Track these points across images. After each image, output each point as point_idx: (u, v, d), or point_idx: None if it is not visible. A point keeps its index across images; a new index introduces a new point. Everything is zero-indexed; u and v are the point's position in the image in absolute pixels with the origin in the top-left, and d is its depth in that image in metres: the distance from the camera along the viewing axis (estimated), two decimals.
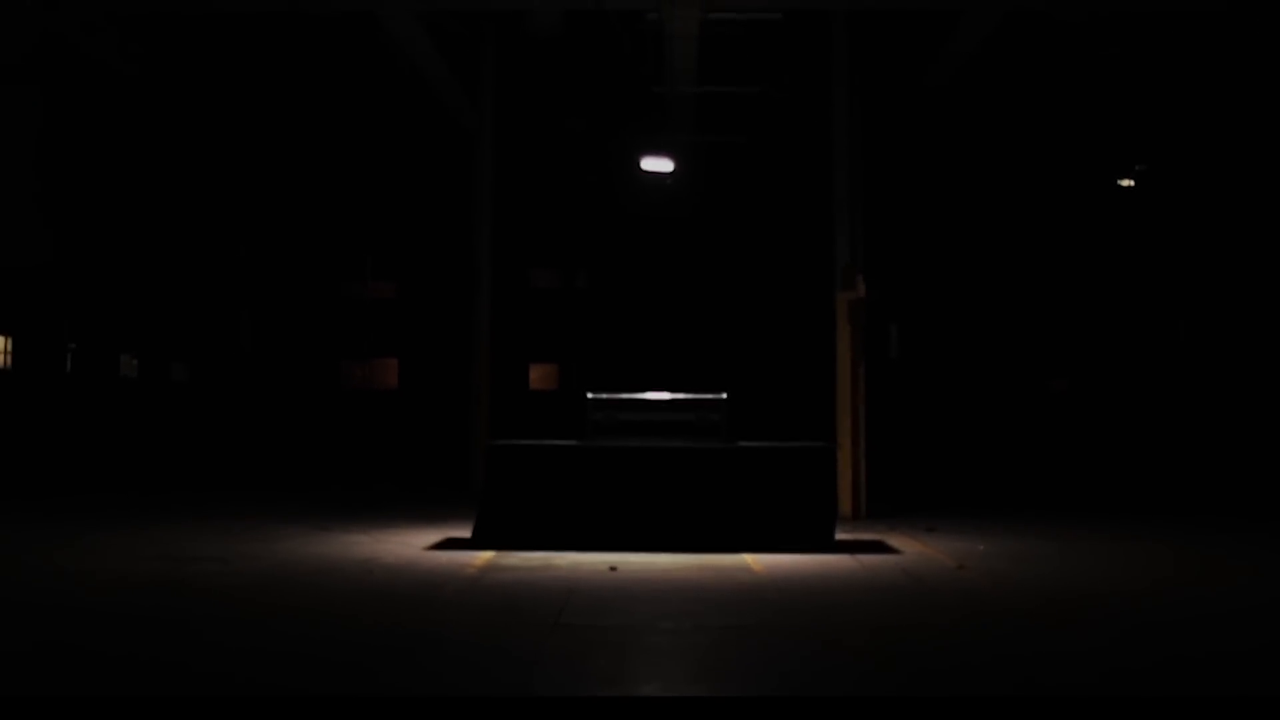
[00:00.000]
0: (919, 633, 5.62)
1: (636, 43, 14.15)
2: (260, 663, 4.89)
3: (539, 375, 19.74)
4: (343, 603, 6.39)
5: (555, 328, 19.50)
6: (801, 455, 9.30)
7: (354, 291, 19.93)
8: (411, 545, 9.04)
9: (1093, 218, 18.64)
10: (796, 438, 10.73)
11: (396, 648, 5.19)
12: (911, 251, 18.57)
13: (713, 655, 5.15)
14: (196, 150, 18.50)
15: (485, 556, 8.32)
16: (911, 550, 8.91)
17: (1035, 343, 18.84)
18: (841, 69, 12.84)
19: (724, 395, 9.72)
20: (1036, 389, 18.83)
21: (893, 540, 9.58)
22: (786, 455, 9.28)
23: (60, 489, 14.07)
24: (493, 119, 14.76)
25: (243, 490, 14.70)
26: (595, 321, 19.40)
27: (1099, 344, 18.79)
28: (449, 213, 18.64)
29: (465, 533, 9.51)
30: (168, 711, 4.16)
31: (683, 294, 19.23)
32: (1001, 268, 18.75)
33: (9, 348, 14.99)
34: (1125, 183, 18.52)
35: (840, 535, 9.48)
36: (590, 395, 9.72)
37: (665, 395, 10.01)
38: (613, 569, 7.69)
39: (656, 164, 16.38)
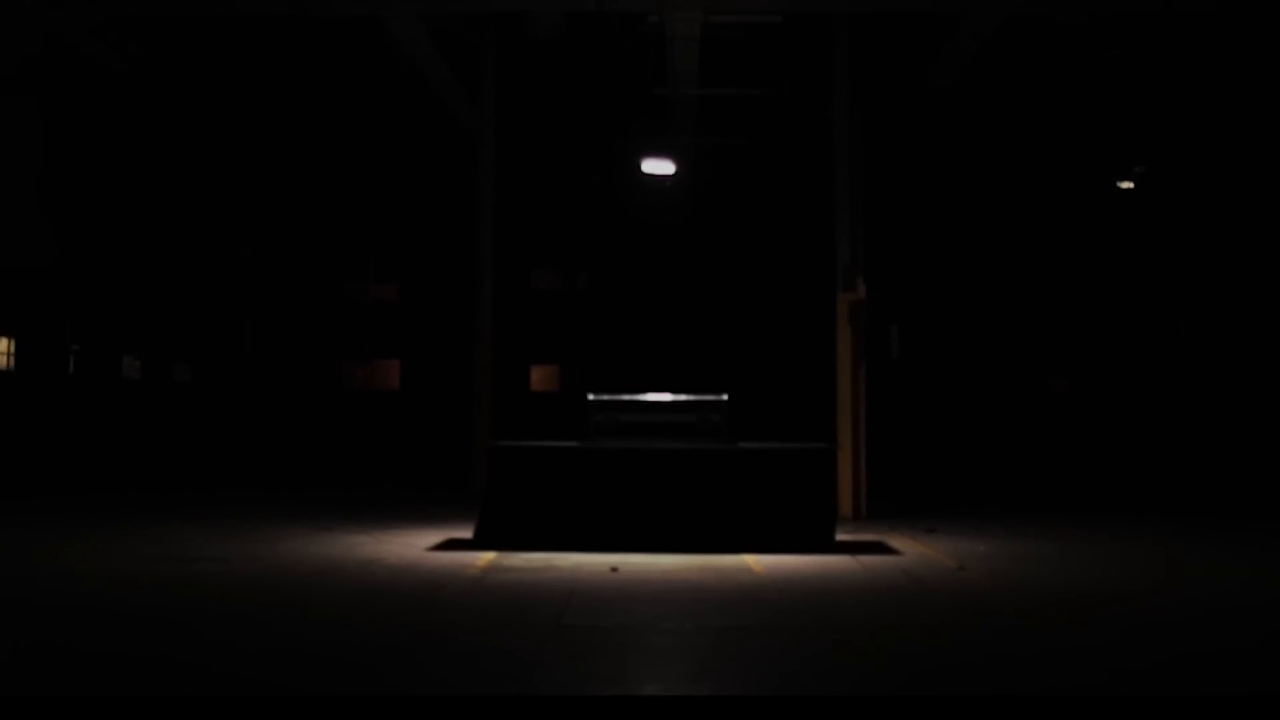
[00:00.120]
0: (919, 633, 5.64)
1: (638, 45, 14.18)
2: (263, 662, 4.92)
3: (540, 376, 19.77)
4: (345, 603, 6.42)
5: (557, 329, 19.52)
6: (802, 456, 9.33)
7: (356, 293, 19.96)
8: (413, 546, 9.07)
9: (1093, 219, 18.66)
10: (797, 439, 10.75)
11: (399, 647, 5.22)
12: (912, 253, 18.59)
13: (714, 655, 5.17)
14: (199, 152, 18.54)
15: (487, 557, 8.35)
16: (912, 551, 8.93)
17: (1035, 343, 18.86)
18: (842, 71, 12.87)
19: (725, 396, 9.75)
20: (1037, 390, 18.85)
21: (893, 541, 9.60)
22: (787, 456, 9.31)
23: (63, 489, 14.10)
24: (494, 120, 14.79)
25: (245, 491, 14.73)
26: (597, 323, 19.43)
27: (1099, 345, 18.80)
28: (451, 214, 18.67)
29: (467, 533, 9.54)
30: (171, 711, 4.18)
31: (684, 295, 19.25)
32: (1002, 269, 18.77)
33: (12, 349, 15.02)
34: (1125, 184, 18.53)
35: (841, 536, 9.50)
36: (591, 396, 9.75)
37: (666, 396, 10.04)
38: (614, 570, 7.71)
39: (658, 166, 16.40)
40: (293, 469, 17.76)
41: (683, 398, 9.95)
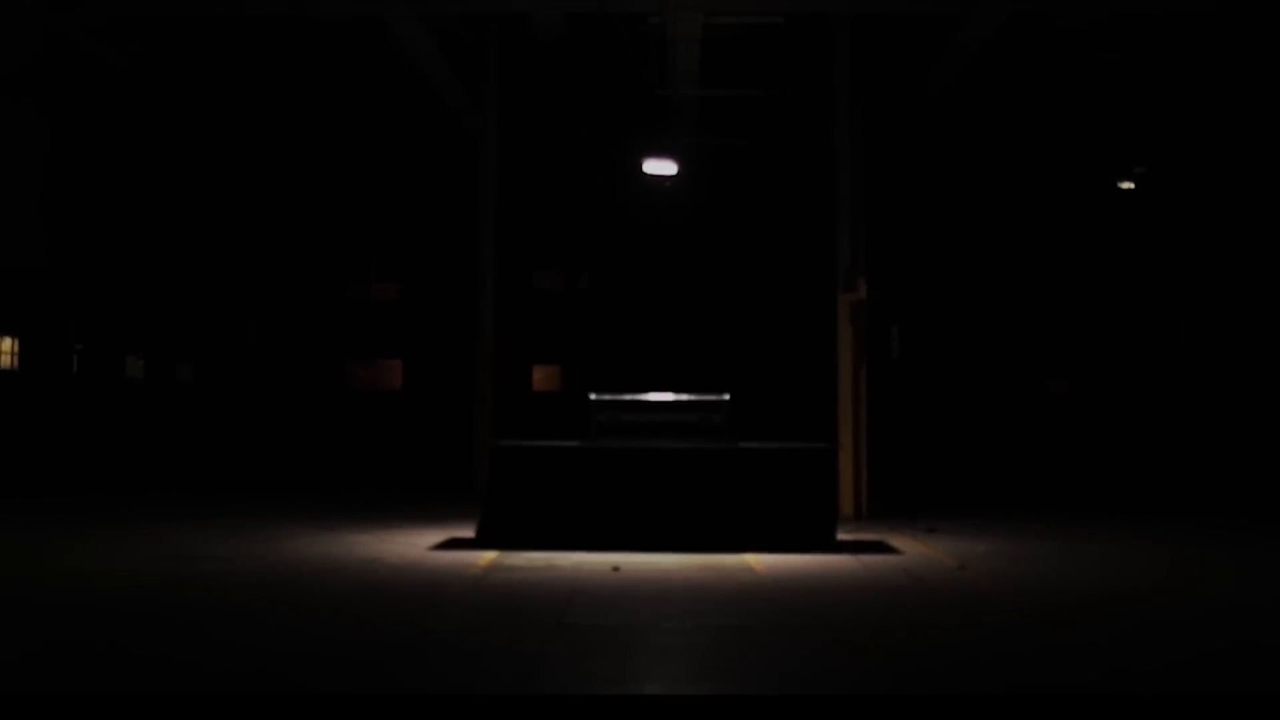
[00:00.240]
0: (920, 632, 5.67)
1: (639, 46, 14.20)
2: (267, 660, 4.94)
3: (542, 376, 19.79)
4: (348, 602, 6.45)
5: (558, 329, 19.55)
6: (803, 456, 9.35)
7: (358, 293, 19.99)
8: (416, 545, 9.10)
9: (1093, 220, 18.68)
10: (798, 438, 10.78)
11: (401, 646, 5.25)
12: (913, 253, 18.61)
13: (715, 654, 5.20)
14: (202, 152, 18.57)
15: (489, 556, 8.38)
16: (913, 550, 8.95)
17: (1036, 344, 18.88)
18: (843, 72, 12.89)
19: (726, 396, 9.77)
20: (1037, 390, 18.87)
21: (894, 540, 9.63)
22: (788, 456, 9.33)
23: (67, 489, 14.13)
24: (496, 121, 14.82)
25: (248, 490, 14.76)
26: (598, 323, 19.45)
27: (1099, 345, 18.82)
28: (453, 215, 18.70)
29: (469, 533, 9.57)
30: (175, 709, 4.20)
31: (685, 295, 19.27)
32: (1002, 269, 18.78)
33: (16, 349, 15.06)
34: (1125, 185, 18.55)
35: (841, 535, 9.53)
36: (593, 396, 9.78)
37: (668, 396, 10.06)
38: (615, 569, 7.74)
39: (659, 166, 16.42)
40: (295, 468, 17.79)
41: (684, 397, 9.98)
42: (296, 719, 4.16)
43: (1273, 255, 17.22)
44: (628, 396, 9.86)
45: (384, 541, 9.31)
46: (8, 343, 14.96)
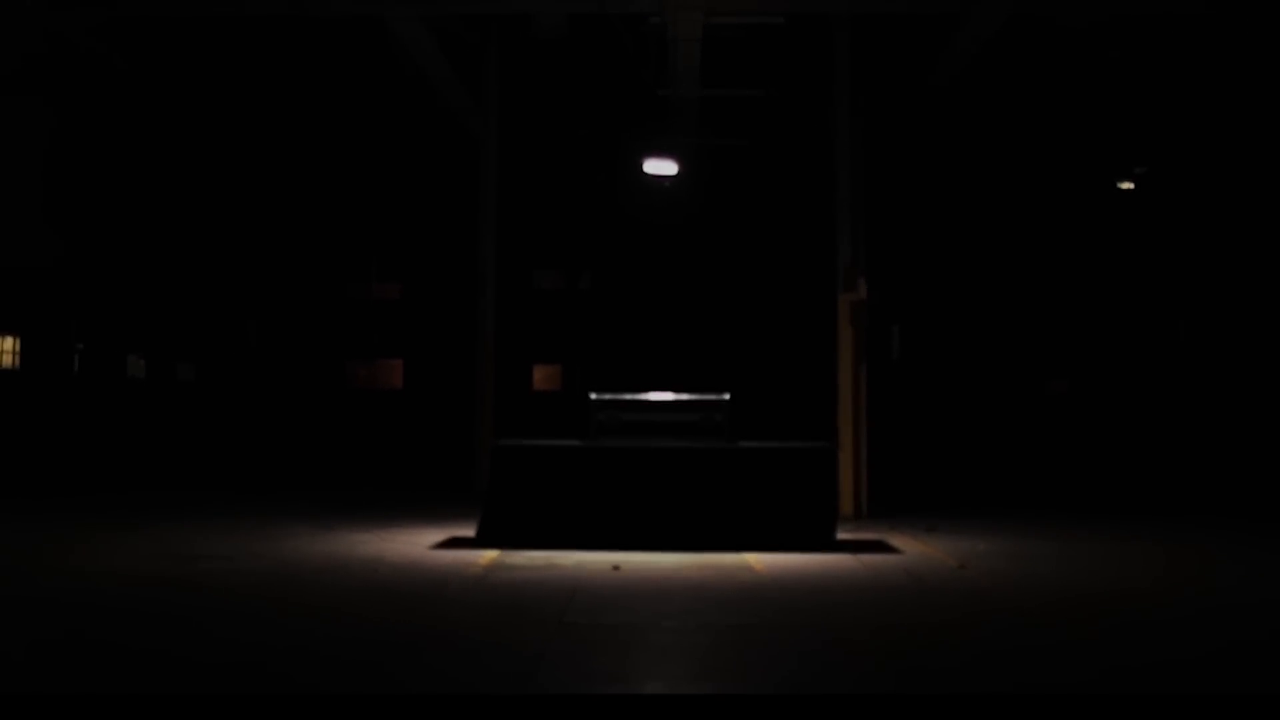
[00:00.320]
0: (920, 631, 5.68)
1: (640, 46, 14.21)
2: (268, 659, 4.96)
3: (543, 376, 19.81)
4: (349, 600, 6.47)
5: (559, 329, 19.56)
6: (803, 455, 9.37)
7: (359, 292, 20.00)
8: (417, 544, 9.12)
9: (1093, 220, 18.69)
10: (798, 438, 10.79)
11: (402, 645, 5.26)
12: (913, 253, 18.62)
13: (715, 653, 5.21)
14: (203, 152, 18.58)
15: (490, 555, 8.40)
16: (912, 550, 8.97)
17: (1036, 344, 18.89)
18: (843, 72, 12.90)
19: (726, 396, 9.79)
20: (1037, 390, 18.88)
21: (894, 540, 9.65)
22: (788, 455, 9.35)
23: (68, 488, 14.15)
24: (497, 121, 14.83)
25: (248, 489, 14.78)
26: (599, 322, 19.47)
27: (1099, 345, 18.83)
28: (453, 215, 18.71)
29: (470, 532, 9.58)
30: (178, 708, 4.21)
31: (686, 295, 19.29)
32: (1002, 269, 18.80)
33: (17, 348, 15.08)
34: (1125, 185, 18.56)
35: (841, 535, 9.54)
36: (594, 396, 9.79)
37: (668, 396, 10.08)
38: (616, 568, 7.76)
39: (659, 166, 16.43)
40: (296, 468, 17.81)
41: (684, 397, 9.99)
42: (297, 717, 4.17)
43: (1272, 255, 17.23)
44: (628, 396, 9.88)
45: (385, 540, 9.33)
46: (9, 342, 14.98)
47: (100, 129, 16.54)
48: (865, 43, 13.07)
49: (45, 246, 15.43)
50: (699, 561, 8.13)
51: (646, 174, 16.89)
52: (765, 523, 9.05)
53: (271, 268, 19.61)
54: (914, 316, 18.91)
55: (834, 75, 12.96)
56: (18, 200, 14.89)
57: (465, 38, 14.32)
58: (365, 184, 19.39)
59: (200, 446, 18.19)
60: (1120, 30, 13.91)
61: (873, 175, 13.58)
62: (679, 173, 16.78)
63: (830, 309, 12.74)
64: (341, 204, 19.50)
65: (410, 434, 19.02)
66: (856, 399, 12.29)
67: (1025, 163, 18.35)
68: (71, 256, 16.05)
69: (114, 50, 14.18)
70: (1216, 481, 15.84)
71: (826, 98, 13.28)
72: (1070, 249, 18.68)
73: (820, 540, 9.01)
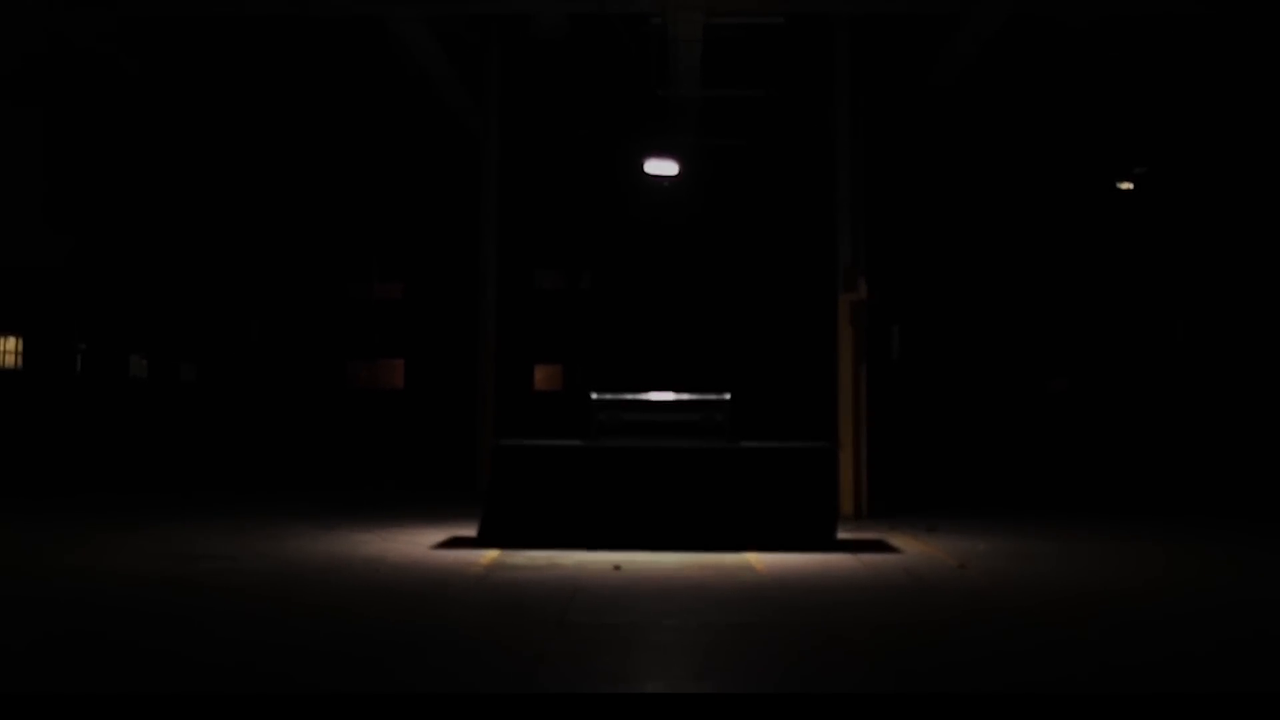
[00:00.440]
0: (920, 630, 5.70)
1: (640, 46, 14.23)
2: (271, 658, 4.98)
3: (544, 376, 19.83)
4: (351, 600, 6.49)
5: (560, 329, 19.59)
6: (804, 455, 9.39)
7: (360, 292, 20.04)
8: (418, 544, 9.14)
9: (1093, 220, 18.71)
10: (799, 438, 10.81)
11: (403, 644, 5.28)
12: (913, 253, 18.64)
13: (716, 653, 5.23)
14: (205, 152, 18.61)
15: (491, 555, 8.42)
16: (913, 549, 8.99)
17: (1035, 343, 18.91)
18: (843, 72, 12.92)
19: (727, 396, 9.81)
20: (1036, 389, 18.90)
21: (894, 539, 9.66)
22: (789, 455, 9.37)
23: (71, 488, 14.18)
24: (498, 121, 14.85)
25: (250, 489, 14.81)
26: (600, 322, 19.49)
27: (1098, 345, 18.85)
28: (454, 215, 18.74)
29: (471, 531, 9.60)
30: (180, 707, 4.23)
31: (686, 295, 19.31)
32: (1002, 269, 18.82)
33: (20, 348, 15.11)
34: (1124, 185, 18.57)
35: (842, 534, 9.56)
36: (594, 396, 9.81)
37: (669, 396, 10.10)
38: (617, 568, 7.78)
39: (660, 166, 16.47)
40: (298, 467, 17.84)
41: (685, 397, 10.01)
42: (299, 716, 4.19)
43: (1272, 256, 17.24)
44: (629, 396, 9.90)
45: (386, 540, 9.35)
46: (12, 342, 15.01)
47: (102, 129, 16.57)
48: (865, 43, 13.09)
49: (47, 247, 15.46)
50: (700, 561, 8.15)
51: (647, 174, 16.91)
52: (766, 522, 9.07)
53: (273, 268, 19.64)
54: (914, 316, 18.93)
55: (834, 75, 12.98)
56: (20, 200, 14.91)
57: (466, 38, 14.34)
58: (367, 184, 19.41)
59: (202, 446, 18.21)
60: (1120, 30, 13.92)
61: (873, 175, 13.59)
62: (679, 173, 16.80)
63: (830, 309, 12.76)
64: (343, 204, 19.53)
65: (411, 434, 19.05)
66: (857, 399, 12.31)
67: (1025, 163, 18.37)
68: (74, 257, 16.07)
69: (116, 50, 14.21)
70: (1216, 481, 15.86)
71: (827, 98, 13.30)
72: (1070, 249, 18.70)
73: (821, 540, 9.03)
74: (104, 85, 15.86)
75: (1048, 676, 4.72)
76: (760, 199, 19.16)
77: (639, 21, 13.48)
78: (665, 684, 4.69)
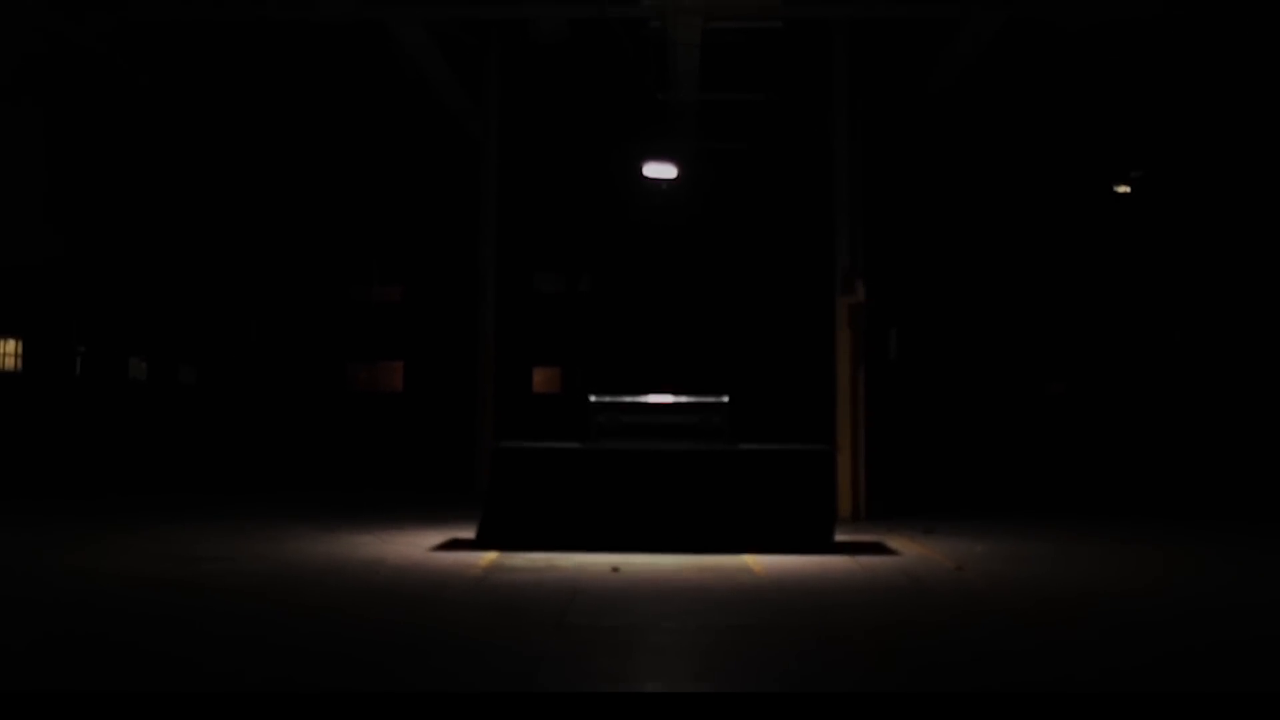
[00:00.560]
0: (917, 631, 5.73)
1: (640, 50, 14.27)
2: (271, 658, 5.00)
3: (543, 378, 19.86)
4: (350, 601, 6.51)
5: (559, 331, 19.62)
6: (801, 458, 9.42)
7: (360, 295, 20.07)
8: (417, 545, 9.16)
9: (1091, 223, 18.75)
10: (797, 440, 10.84)
11: (403, 645, 5.31)
12: (911, 256, 18.68)
13: (715, 654, 5.26)
14: (205, 154, 18.64)
15: (490, 557, 8.44)
16: (910, 551, 9.02)
17: (1033, 346, 18.95)
18: (842, 76, 12.96)
19: (726, 398, 9.84)
20: (1034, 392, 18.94)
21: (892, 542, 9.69)
22: (787, 458, 9.40)
23: (70, 491, 14.20)
24: (498, 125, 14.89)
25: (250, 491, 14.83)
26: (598, 325, 19.53)
27: (1096, 348, 18.89)
28: (454, 218, 18.77)
29: (470, 534, 9.62)
30: (178, 707, 4.25)
31: (685, 298, 19.35)
32: (1000, 272, 18.86)
33: (19, 351, 15.12)
34: (1121, 189, 18.62)
35: (840, 537, 9.59)
36: (593, 398, 9.84)
37: (667, 398, 10.13)
38: (615, 570, 7.80)
39: (659, 170, 16.50)
40: (297, 470, 17.86)
41: (684, 399, 10.05)
42: (299, 716, 4.21)
43: (1269, 259, 17.28)
44: (628, 398, 9.93)
45: (385, 542, 9.38)
46: (11, 345, 15.03)
47: (102, 131, 16.60)
48: (864, 47, 13.13)
49: (47, 248, 15.48)
50: (698, 563, 8.18)
51: (646, 177, 16.95)
52: (764, 525, 9.09)
53: (273, 270, 19.66)
54: (912, 319, 18.97)
55: (833, 79, 13.03)
56: (19, 202, 14.94)
57: (466, 42, 14.38)
58: (367, 187, 19.45)
59: (202, 448, 18.23)
60: (1117, 34, 13.97)
61: (871, 178, 13.64)
62: (678, 176, 16.84)
63: (828, 311, 12.80)
64: (343, 207, 19.56)
65: (411, 436, 19.08)
66: (855, 401, 12.34)
67: (1023, 166, 18.41)
68: (73, 258, 16.10)
69: (118, 53, 14.24)
70: (1213, 484, 15.89)
71: (825, 101, 13.34)
72: (1067, 252, 18.74)
73: (819, 542, 9.06)
74: (105, 87, 15.89)
75: (1045, 676, 4.75)
76: (759, 202, 19.20)
77: (638, 26, 13.52)
78: (664, 685, 4.71)
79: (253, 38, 14.78)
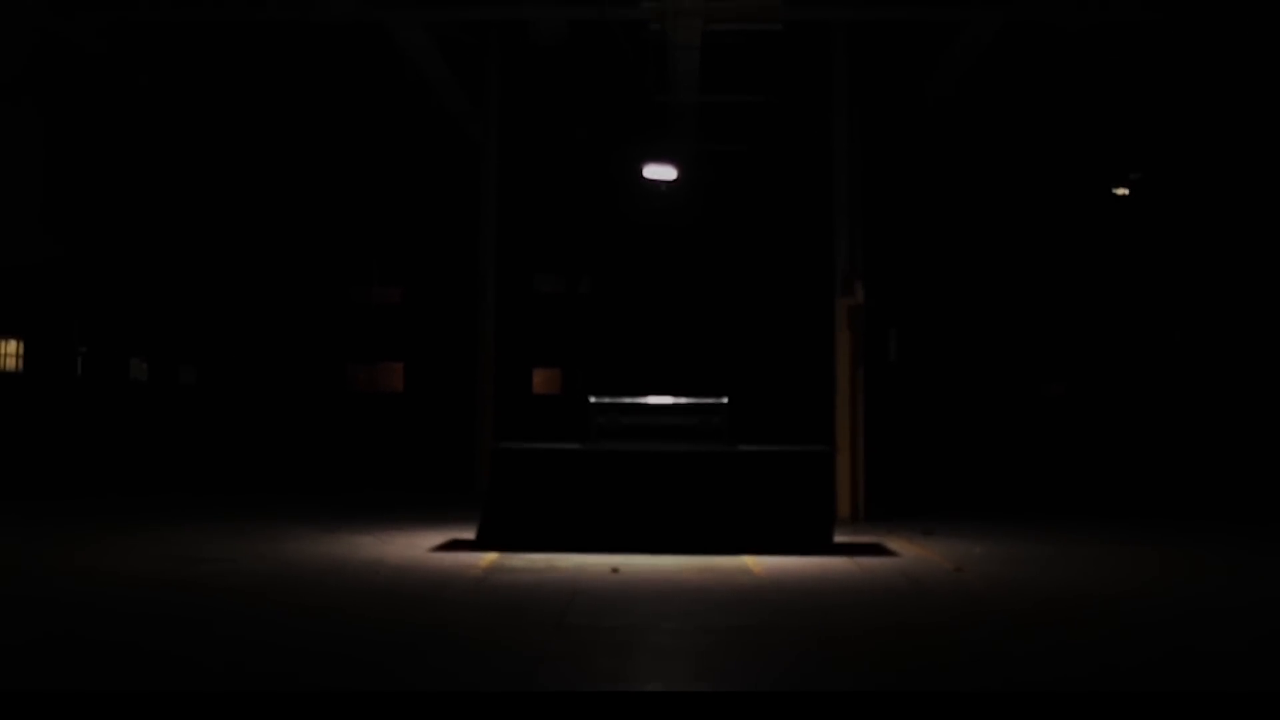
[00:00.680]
0: (915, 632, 5.75)
1: (639, 52, 14.30)
2: (272, 658, 5.02)
3: (542, 380, 19.88)
4: (350, 602, 6.53)
5: (559, 333, 19.64)
6: (801, 459, 9.44)
7: (360, 296, 20.09)
8: (417, 546, 9.18)
9: (1089, 225, 18.78)
10: (796, 441, 10.87)
11: (403, 645, 5.33)
12: (910, 257, 18.70)
13: (714, 654, 5.27)
14: (206, 155, 18.66)
15: (490, 558, 8.46)
16: (909, 553, 9.04)
17: (1032, 348, 18.97)
18: (841, 78, 12.99)
19: (725, 399, 9.86)
20: (1033, 394, 18.96)
21: (891, 543, 9.72)
22: (786, 459, 9.42)
23: (72, 491, 14.21)
24: (498, 127, 14.92)
25: (250, 492, 14.85)
26: (598, 327, 19.55)
27: (1095, 350, 18.92)
28: (454, 219, 18.79)
29: (470, 534, 9.64)
30: (179, 706, 4.26)
31: (685, 299, 19.37)
32: (999, 274, 18.88)
33: (20, 351, 15.14)
34: (1120, 191, 18.65)
35: (839, 538, 9.61)
36: (593, 399, 9.87)
37: (667, 399, 10.15)
38: (615, 570, 7.82)
39: (659, 172, 16.52)
40: (297, 470, 17.88)
41: (683, 401, 10.07)
42: (300, 715, 4.23)
43: (1268, 260, 17.31)
44: (627, 400, 9.96)
45: (386, 543, 9.40)
46: (12, 345, 15.05)
47: (102, 131, 16.62)
48: (863, 49, 13.16)
49: (48, 249, 15.50)
50: (698, 564, 8.20)
51: (646, 179, 16.97)
52: (763, 526, 9.11)
53: (273, 271, 19.68)
54: (911, 320, 18.99)
55: (832, 81, 13.05)
56: (20, 202, 14.96)
57: (466, 44, 14.41)
58: (367, 188, 19.47)
59: (202, 449, 18.25)
60: (1115, 36, 14.00)
61: (870, 180, 13.67)
62: (678, 178, 16.86)
63: (828, 313, 12.82)
64: (343, 208, 19.58)
65: (411, 437, 19.09)
66: (854, 402, 12.36)
67: (1022, 167, 18.44)
68: (74, 259, 16.12)
69: (118, 54, 14.26)
70: (1211, 485, 15.91)
71: (825, 104, 13.37)
72: (1066, 253, 18.76)
73: (818, 543, 9.08)
74: (105, 87, 15.91)
75: (1043, 676, 4.77)
76: (758, 204, 19.23)
77: (638, 27, 13.53)
78: (663, 684, 4.73)
79: (253, 38, 14.80)
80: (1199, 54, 14.64)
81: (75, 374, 16.37)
